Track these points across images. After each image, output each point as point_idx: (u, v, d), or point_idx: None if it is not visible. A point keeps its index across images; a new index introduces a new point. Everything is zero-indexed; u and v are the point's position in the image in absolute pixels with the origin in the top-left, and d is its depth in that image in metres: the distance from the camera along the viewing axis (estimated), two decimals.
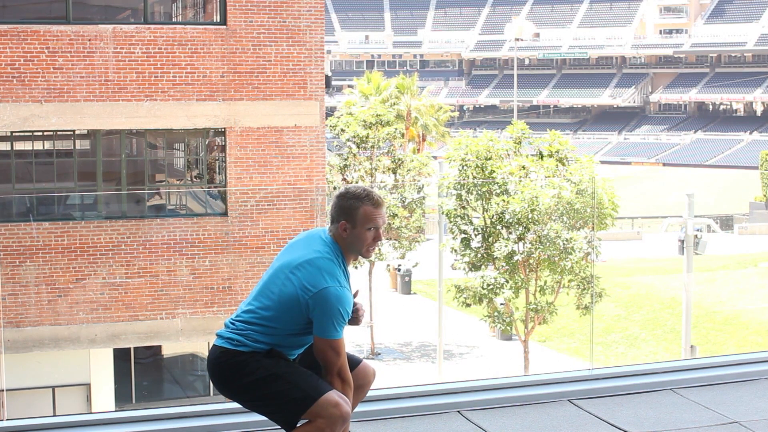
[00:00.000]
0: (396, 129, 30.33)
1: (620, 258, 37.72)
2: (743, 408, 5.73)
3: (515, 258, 22.14)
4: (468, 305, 23.54)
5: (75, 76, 15.66)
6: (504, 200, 21.92)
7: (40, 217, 16.15)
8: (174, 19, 18.62)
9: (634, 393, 5.96)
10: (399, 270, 35.41)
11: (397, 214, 28.26)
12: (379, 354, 29.12)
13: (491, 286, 22.36)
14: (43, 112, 15.58)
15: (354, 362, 4.46)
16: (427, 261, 29.63)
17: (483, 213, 22.66)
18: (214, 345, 4.33)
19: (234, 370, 4.23)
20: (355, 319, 4.50)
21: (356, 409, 5.44)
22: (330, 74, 21.36)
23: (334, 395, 4.15)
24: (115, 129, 16.21)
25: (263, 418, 4.41)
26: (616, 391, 5.96)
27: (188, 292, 16.38)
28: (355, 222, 4.26)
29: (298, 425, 4.22)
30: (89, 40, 15.70)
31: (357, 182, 29.59)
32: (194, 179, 17.76)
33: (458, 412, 5.61)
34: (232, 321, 4.30)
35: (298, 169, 16.79)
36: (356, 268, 28.63)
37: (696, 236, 23.86)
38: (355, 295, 4.51)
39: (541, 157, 22.94)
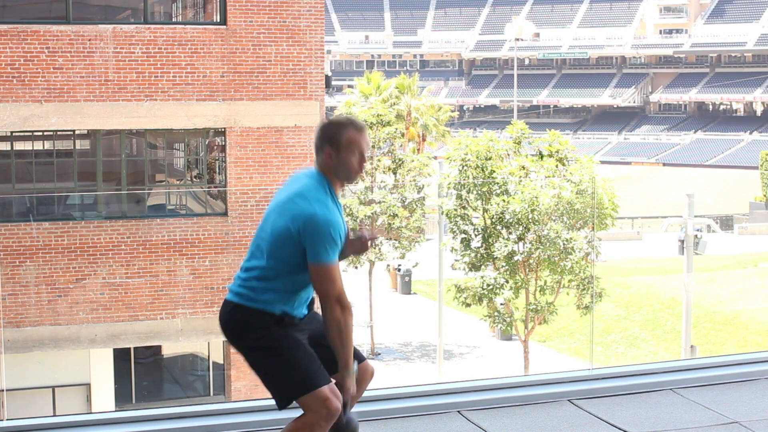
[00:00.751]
0: (396, 129, 30.33)
1: (620, 258, 37.72)
2: (743, 408, 5.73)
3: (515, 258, 22.14)
4: (468, 305, 23.54)
5: (75, 76, 15.67)
6: (504, 200, 21.92)
7: (40, 217, 16.15)
8: (174, 19, 18.62)
9: (634, 393, 5.96)
10: (399, 270, 35.41)
11: (397, 214, 28.26)
12: (379, 354, 29.12)
13: (491, 286, 22.36)
14: (43, 112, 15.58)
15: (356, 358, 4.44)
16: (427, 261, 29.64)
17: (483, 213, 22.66)
18: (225, 300, 4.33)
19: (241, 329, 4.25)
20: (362, 245, 4.56)
21: (356, 409, 5.45)
22: (330, 74, 21.37)
23: (326, 391, 4.14)
24: (115, 129, 16.21)
25: (264, 418, 4.41)
26: (616, 391, 5.96)
27: (188, 292, 16.38)
28: (339, 147, 4.28)
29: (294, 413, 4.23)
30: (89, 40, 15.70)
31: (357, 182, 29.59)
32: (194, 179, 17.76)
33: (458, 412, 5.61)
34: (238, 274, 4.32)
35: (298, 169, 16.77)
36: (356, 268, 28.66)
37: (696, 236, 23.87)
38: (370, 238, 4.57)
39: (541, 157, 22.94)
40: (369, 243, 4.61)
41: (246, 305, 4.23)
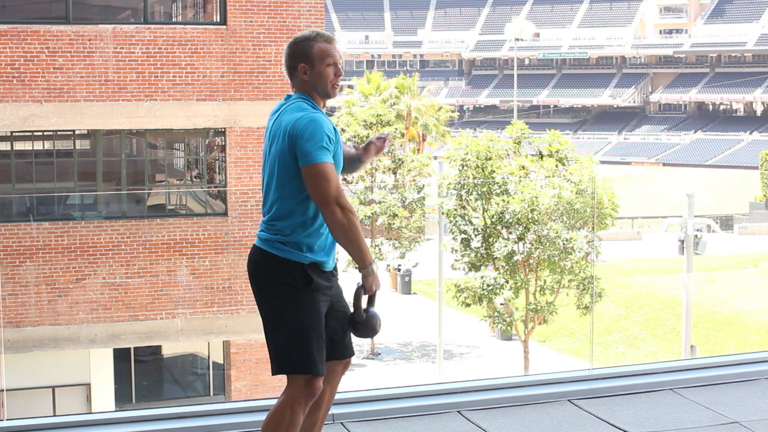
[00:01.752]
0: (396, 129, 30.33)
1: (620, 258, 37.71)
2: (743, 408, 5.73)
3: (515, 258, 22.14)
4: (468, 305, 23.54)
5: (75, 76, 15.67)
6: (504, 200, 21.93)
7: (40, 217, 16.15)
8: (174, 19, 18.62)
9: (634, 393, 5.96)
10: (399, 270, 35.41)
11: (397, 214, 28.26)
12: (379, 354, 29.12)
13: (491, 286, 22.37)
14: (43, 112, 15.58)
15: (350, 353, 4.43)
16: (427, 261, 29.63)
17: (483, 213, 22.66)
18: (253, 245, 4.26)
19: (268, 278, 4.17)
20: (377, 149, 4.58)
21: (356, 409, 5.46)
22: None
23: (318, 383, 4.14)
24: (115, 129, 16.21)
25: (264, 418, 4.41)
26: (616, 391, 5.96)
27: (188, 292, 16.38)
28: (312, 61, 4.21)
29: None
30: (89, 40, 15.70)
31: (357, 182, 29.59)
32: (194, 179, 17.76)
33: (458, 412, 5.61)
34: (263, 219, 4.26)
35: None
36: (356, 268, 28.56)
37: (696, 236, 23.86)
38: (380, 138, 4.57)
39: (541, 157, 22.95)
40: (382, 143, 4.58)
41: (274, 254, 4.15)
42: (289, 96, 4.31)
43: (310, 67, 4.22)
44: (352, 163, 4.59)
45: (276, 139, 4.17)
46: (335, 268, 4.40)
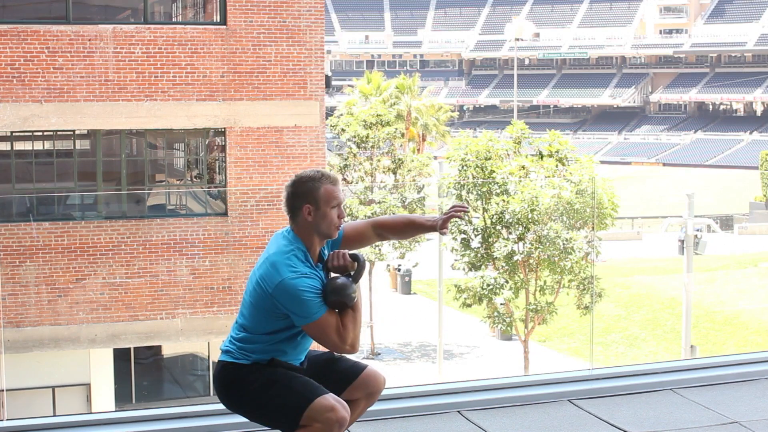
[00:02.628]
0: (396, 129, 30.33)
1: (620, 258, 37.71)
2: (743, 408, 5.73)
3: (515, 258, 22.15)
4: (468, 305, 23.54)
5: (75, 76, 15.66)
6: (504, 200, 21.92)
7: (40, 217, 16.15)
8: (174, 19, 18.62)
9: (634, 393, 5.95)
10: (399, 270, 35.41)
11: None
12: (379, 354, 29.12)
13: (491, 287, 22.36)
14: (43, 112, 15.58)
15: (359, 368, 4.39)
16: (427, 261, 29.64)
17: (483, 213, 22.66)
18: (218, 360, 4.32)
19: (235, 384, 4.22)
20: (443, 226, 4.34)
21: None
22: (330, 74, 21.37)
23: (330, 399, 4.10)
24: (115, 129, 16.21)
25: None
26: (616, 391, 5.96)
27: (188, 292, 16.38)
28: (318, 203, 4.17)
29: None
30: (89, 40, 15.70)
31: (357, 182, 29.60)
32: (194, 179, 17.76)
33: (458, 412, 5.61)
34: (230, 337, 4.31)
35: (298, 169, 16.69)
36: None
37: (696, 236, 23.86)
38: (464, 210, 4.36)
39: (541, 157, 22.95)
40: (461, 211, 4.38)
41: (234, 362, 4.21)
42: (286, 234, 4.26)
43: (315, 208, 4.19)
44: (414, 232, 4.46)
45: (256, 275, 4.19)
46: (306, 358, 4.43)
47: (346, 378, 4.37)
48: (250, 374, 4.20)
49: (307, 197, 4.18)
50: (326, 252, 4.34)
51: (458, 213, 4.35)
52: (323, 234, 4.22)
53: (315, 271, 4.19)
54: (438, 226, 4.36)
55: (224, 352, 4.27)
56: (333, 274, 4.25)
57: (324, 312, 4.09)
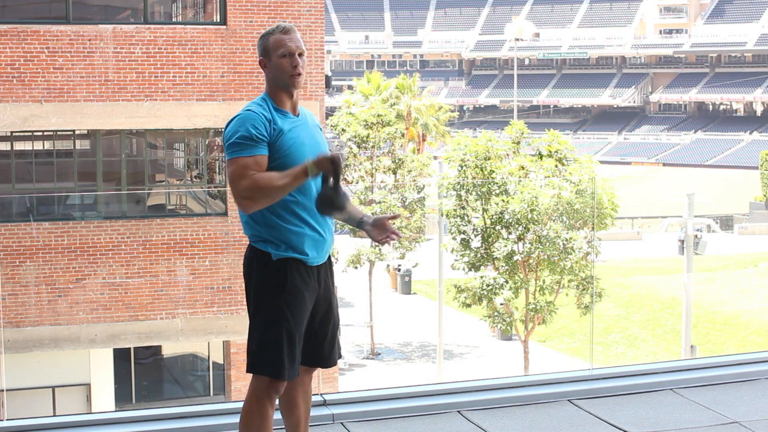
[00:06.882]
0: (396, 129, 30.33)
1: (620, 258, 37.71)
2: (743, 408, 5.73)
3: (515, 258, 22.14)
4: (468, 305, 23.54)
5: (75, 76, 15.67)
6: (503, 200, 21.92)
7: (40, 217, 16.15)
8: (174, 19, 18.62)
9: (634, 393, 5.96)
10: (399, 270, 35.41)
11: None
12: (379, 354, 29.12)
13: (491, 287, 22.36)
14: (43, 112, 15.58)
15: (324, 363, 4.39)
16: (427, 261, 29.64)
17: (482, 213, 22.65)
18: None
19: (251, 270, 4.19)
20: (374, 226, 4.29)
21: (355, 409, 5.45)
22: (330, 74, 21.39)
23: (276, 383, 4.14)
24: (115, 129, 16.21)
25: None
26: (616, 391, 5.96)
27: (188, 292, 16.38)
28: (269, 53, 4.17)
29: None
30: (89, 40, 15.70)
31: (357, 182, 29.60)
32: (194, 179, 17.76)
33: (458, 412, 5.61)
34: (243, 223, 4.30)
35: None
36: (356, 268, 28.64)
37: (696, 236, 23.85)
38: (394, 217, 4.35)
39: (541, 157, 22.94)
40: (388, 227, 4.30)
41: (254, 247, 4.18)
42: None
43: (267, 59, 4.20)
44: (346, 216, 4.28)
45: None
46: (327, 266, 4.32)
47: (317, 360, 4.35)
48: (261, 278, 4.14)
49: (261, 51, 4.20)
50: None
51: (386, 239, 4.30)
52: (282, 85, 4.17)
53: (287, 117, 4.15)
54: (372, 235, 4.31)
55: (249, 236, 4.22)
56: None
57: (240, 155, 4.01)
